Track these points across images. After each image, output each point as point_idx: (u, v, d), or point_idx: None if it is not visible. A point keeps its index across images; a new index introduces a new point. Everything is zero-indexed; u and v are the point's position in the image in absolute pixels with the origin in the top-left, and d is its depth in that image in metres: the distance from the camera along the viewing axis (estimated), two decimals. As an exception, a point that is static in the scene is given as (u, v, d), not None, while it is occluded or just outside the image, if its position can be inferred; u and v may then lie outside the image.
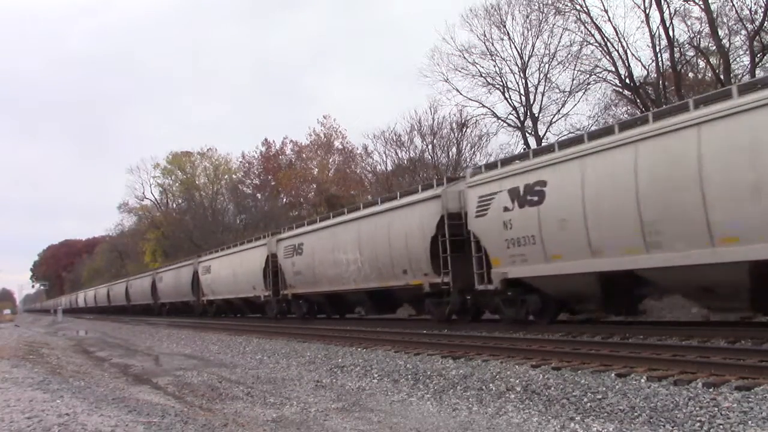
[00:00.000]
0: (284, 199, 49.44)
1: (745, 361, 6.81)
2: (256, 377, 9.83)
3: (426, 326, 14.89)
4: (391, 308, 18.70)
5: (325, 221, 20.35)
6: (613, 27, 25.31)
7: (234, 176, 56.56)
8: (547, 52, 28.53)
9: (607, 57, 25.57)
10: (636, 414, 5.67)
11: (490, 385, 7.41)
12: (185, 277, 34.08)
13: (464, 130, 32.94)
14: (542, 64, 28.99)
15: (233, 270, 27.27)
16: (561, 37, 27.69)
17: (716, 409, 5.40)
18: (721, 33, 22.16)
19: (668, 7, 22.97)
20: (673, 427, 5.27)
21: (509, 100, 30.28)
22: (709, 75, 24.28)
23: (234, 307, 29.32)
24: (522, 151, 27.76)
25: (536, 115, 29.71)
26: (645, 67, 25.47)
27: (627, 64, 24.99)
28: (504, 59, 29.71)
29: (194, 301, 33.26)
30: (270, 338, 16.18)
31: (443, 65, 31.46)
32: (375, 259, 16.88)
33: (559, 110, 29.37)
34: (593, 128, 22.53)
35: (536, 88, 29.44)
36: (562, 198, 11.13)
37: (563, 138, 19.51)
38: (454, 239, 14.14)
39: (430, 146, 34.62)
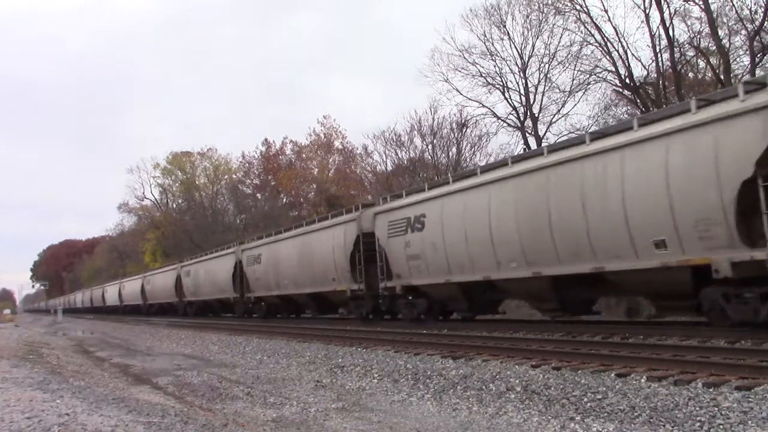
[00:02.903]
0: (284, 199, 49.40)
1: (745, 361, 6.82)
2: (256, 377, 9.83)
3: (426, 326, 14.94)
4: (331, 309, 21.99)
5: (276, 236, 23.99)
6: (613, 27, 25.34)
7: (234, 176, 56.55)
8: (547, 52, 28.57)
9: (607, 57, 25.60)
10: (636, 414, 5.66)
11: (490, 385, 7.40)
12: (169, 280, 37.62)
13: (464, 130, 32.99)
14: (542, 64, 29.02)
15: (209, 275, 30.98)
16: (561, 37, 27.73)
17: (716, 409, 5.39)
18: (721, 33, 22.18)
19: (668, 7, 23.01)
20: (673, 427, 5.26)
21: (509, 100, 30.32)
22: (709, 75, 24.27)
23: (210, 308, 33.08)
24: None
25: (536, 115, 29.75)
26: (645, 67, 25.50)
27: (627, 64, 25.01)
28: (504, 59, 29.75)
29: (177, 302, 36.89)
30: (270, 338, 16.17)
31: (443, 65, 31.53)
32: (312, 268, 20.53)
33: (559, 110, 29.41)
34: (593, 129, 22.54)
35: (536, 88, 29.49)
36: (433, 228, 14.64)
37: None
38: (367, 254, 17.23)
39: (430, 146, 34.66)
